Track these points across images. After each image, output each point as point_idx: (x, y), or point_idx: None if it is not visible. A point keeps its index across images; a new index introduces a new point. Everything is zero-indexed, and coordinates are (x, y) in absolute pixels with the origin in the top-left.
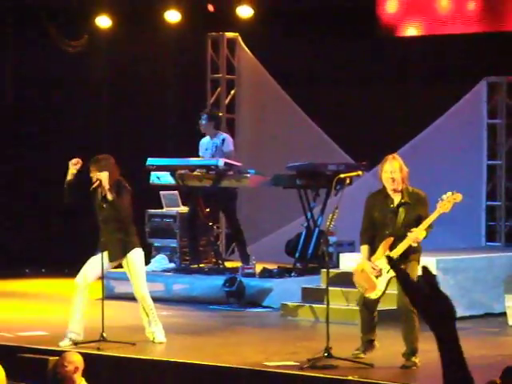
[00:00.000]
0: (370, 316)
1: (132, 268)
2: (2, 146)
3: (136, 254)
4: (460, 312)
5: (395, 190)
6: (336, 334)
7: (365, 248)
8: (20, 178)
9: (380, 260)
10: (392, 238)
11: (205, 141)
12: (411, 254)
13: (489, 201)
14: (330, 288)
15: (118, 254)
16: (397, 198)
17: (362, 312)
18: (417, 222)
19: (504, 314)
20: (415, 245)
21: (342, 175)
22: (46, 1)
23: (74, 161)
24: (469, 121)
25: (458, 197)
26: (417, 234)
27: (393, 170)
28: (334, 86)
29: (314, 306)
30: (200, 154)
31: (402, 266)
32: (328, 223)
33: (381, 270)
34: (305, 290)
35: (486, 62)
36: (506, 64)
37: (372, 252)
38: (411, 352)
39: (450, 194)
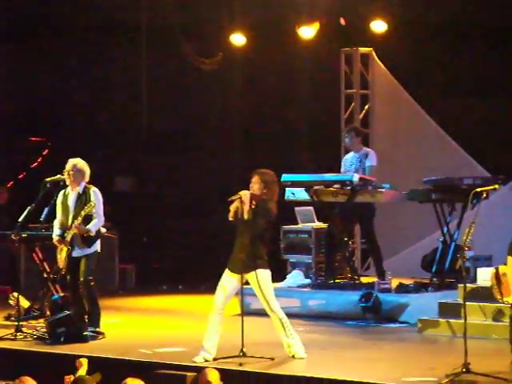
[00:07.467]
0: None
1: (258, 289)
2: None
3: (261, 276)
4: None
5: None
6: (473, 349)
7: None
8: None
9: None
10: None
11: (349, 156)
12: None
13: None
14: (467, 303)
15: (239, 268)
16: None
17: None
18: None
19: None
20: None
21: (478, 189)
22: (181, 19)
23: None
24: None
25: None
26: None
27: None
28: (470, 98)
29: (451, 321)
30: (342, 169)
31: None
32: (465, 237)
33: None
34: (442, 305)
35: None
36: None
37: None
38: None
39: None
